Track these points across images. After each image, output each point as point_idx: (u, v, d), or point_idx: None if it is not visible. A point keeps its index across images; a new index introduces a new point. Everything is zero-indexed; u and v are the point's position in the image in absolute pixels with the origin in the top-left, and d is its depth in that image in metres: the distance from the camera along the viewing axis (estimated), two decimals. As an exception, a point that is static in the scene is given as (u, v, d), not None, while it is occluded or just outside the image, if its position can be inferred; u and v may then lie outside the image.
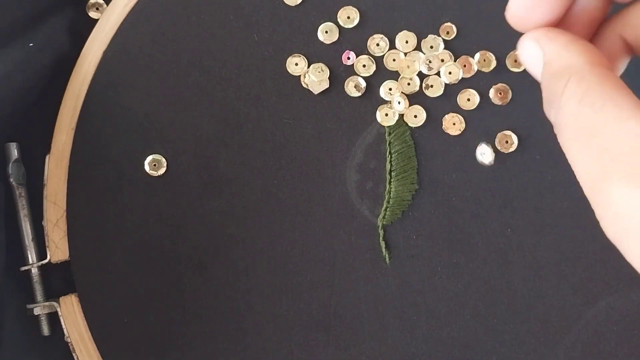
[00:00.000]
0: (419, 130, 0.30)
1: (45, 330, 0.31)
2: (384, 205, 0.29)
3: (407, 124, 0.30)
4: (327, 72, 0.29)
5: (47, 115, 0.31)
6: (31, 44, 0.30)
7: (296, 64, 0.30)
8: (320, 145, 0.30)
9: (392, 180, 0.29)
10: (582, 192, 0.29)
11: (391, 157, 0.30)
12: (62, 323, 0.30)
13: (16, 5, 0.30)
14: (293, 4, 0.30)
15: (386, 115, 0.29)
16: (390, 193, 0.29)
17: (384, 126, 0.30)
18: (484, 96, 0.29)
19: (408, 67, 0.29)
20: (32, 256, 0.31)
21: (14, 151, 0.31)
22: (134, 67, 0.30)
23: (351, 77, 0.29)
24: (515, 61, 0.29)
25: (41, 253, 0.31)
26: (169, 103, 0.30)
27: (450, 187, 0.29)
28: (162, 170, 0.30)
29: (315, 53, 0.30)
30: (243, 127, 0.30)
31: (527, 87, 0.29)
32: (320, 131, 0.30)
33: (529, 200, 0.29)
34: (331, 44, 0.30)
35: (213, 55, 0.30)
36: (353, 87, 0.29)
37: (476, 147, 0.29)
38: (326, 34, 0.30)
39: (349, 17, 0.30)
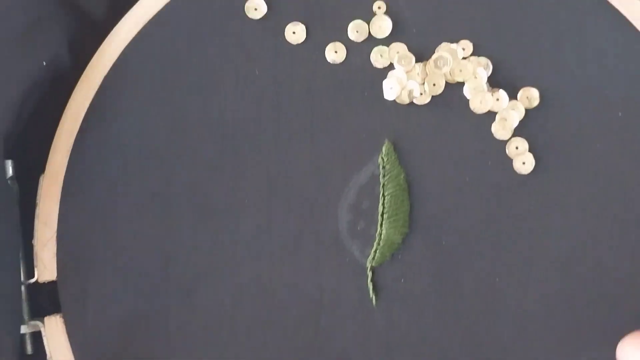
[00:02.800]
0: (413, 174, 0.30)
1: (29, 349, 0.31)
2: (374, 247, 0.29)
3: (401, 167, 0.30)
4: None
5: (44, 134, 0.31)
6: (29, 59, 0.30)
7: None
8: (315, 182, 0.30)
9: (383, 222, 0.30)
10: (571, 244, 0.29)
11: (384, 199, 0.30)
12: (45, 343, 0.30)
13: (12, 19, 0.30)
14: (295, 43, 0.30)
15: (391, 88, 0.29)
16: (381, 235, 0.29)
17: (378, 168, 0.30)
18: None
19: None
20: (21, 274, 0.31)
21: (9, 169, 0.31)
22: (133, 93, 0.31)
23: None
24: (528, 98, 0.29)
25: (29, 272, 0.31)
26: (167, 130, 0.30)
27: (441, 232, 0.29)
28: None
29: (317, 87, 0.30)
30: (239, 158, 0.30)
31: (525, 129, 0.30)
32: (316, 167, 0.30)
33: (518, 251, 0.29)
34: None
35: (214, 85, 0.30)
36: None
37: (469, 192, 0.29)
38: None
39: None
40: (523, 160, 0.29)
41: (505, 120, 0.29)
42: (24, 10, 0.30)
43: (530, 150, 0.30)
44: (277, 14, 0.31)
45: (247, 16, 0.31)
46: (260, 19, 0.31)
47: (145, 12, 0.31)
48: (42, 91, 0.31)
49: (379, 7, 0.30)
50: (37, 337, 0.31)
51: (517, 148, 0.29)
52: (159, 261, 0.30)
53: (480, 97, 0.29)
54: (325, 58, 0.30)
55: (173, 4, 0.31)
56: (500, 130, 0.30)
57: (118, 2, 0.31)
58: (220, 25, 0.31)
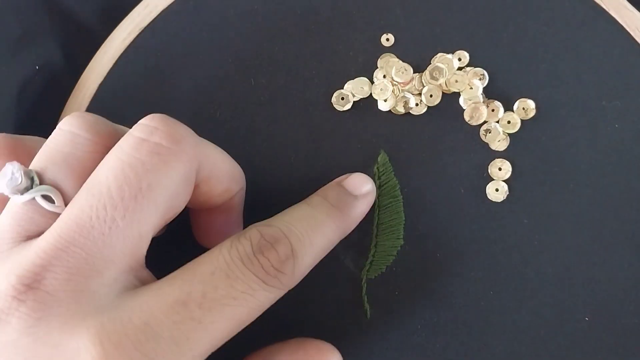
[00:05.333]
0: (408, 186, 0.30)
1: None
2: (369, 259, 0.29)
3: (396, 179, 0.29)
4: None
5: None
6: (23, 66, 0.30)
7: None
8: (310, 192, 0.30)
9: (378, 234, 0.29)
10: (566, 259, 0.29)
11: (379, 210, 0.29)
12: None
13: (6, 27, 0.30)
14: (291, 55, 0.30)
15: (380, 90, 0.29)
16: (376, 247, 0.29)
17: (374, 178, 0.30)
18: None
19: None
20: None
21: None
22: (128, 102, 0.30)
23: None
24: (524, 109, 0.29)
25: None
26: (161, 140, 0.30)
27: (436, 245, 0.29)
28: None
29: (313, 99, 0.30)
30: (233, 170, 0.30)
31: (522, 140, 0.29)
32: (311, 178, 0.30)
33: (513, 264, 0.29)
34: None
35: (208, 96, 0.30)
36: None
37: (465, 205, 0.29)
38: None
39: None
40: (497, 187, 0.29)
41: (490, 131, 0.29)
42: (17, 18, 0.30)
43: (526, 162, 0.29)
44: (273, 24, 0.31)
45: (241, 26, 0.31)
46: (256, 29, 0.31)
47: (140, 20, 0.31)
48: (37, 99, 0.31)
49: (387, 39, 0.30)
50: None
51: (500, 169, 0.29)
52: (156, 264, 0.30)
53: (475, 108, 0.29)
54: (320, 68, 0.30)
55: (167, 13, 0.31)
56: (495, 141, 0.29)
57: (112, 10, 0.31)
58: (213, 35, 0.31)
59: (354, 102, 0.30)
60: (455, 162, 0.30)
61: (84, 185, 0.21)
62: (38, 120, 0.31)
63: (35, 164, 0.22)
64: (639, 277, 0.29)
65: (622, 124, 0.29)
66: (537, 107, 0.29)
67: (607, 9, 0.30)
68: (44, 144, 0.23)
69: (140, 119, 0.30)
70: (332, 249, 0.29)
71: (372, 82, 0.30)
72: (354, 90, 0.30)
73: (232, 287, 0.21)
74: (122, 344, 0.19)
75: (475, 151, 0.30)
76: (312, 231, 0.24)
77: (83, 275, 0.20)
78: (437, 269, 0.29)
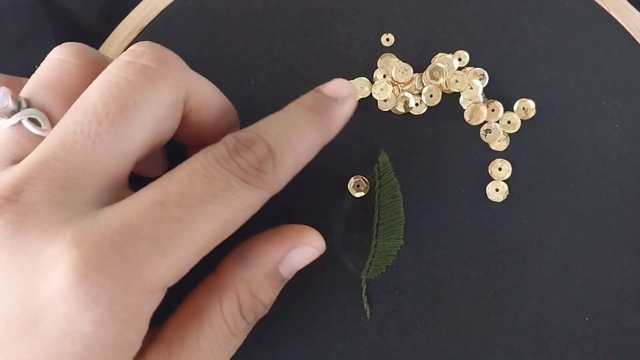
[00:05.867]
0: (408, 186, 0.30)
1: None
2: (369, 259, 0.29)
3: (396, 179, 0.29)
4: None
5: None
6: (22, 67, 0.30)
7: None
8: (310, 192, 0.30)
9: (378, 234, 0.29)
10: (566, 259, 0.29)
11: (379, 210, 0.29)
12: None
13: (5, 28, 0.30)
14: (291, 55, 0.30)
15: (381, 90, 0.29)
16: (376, 247, 0.29)
17: (374, 178, 0.30)
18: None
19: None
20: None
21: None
22: (128, 102, 0.30)
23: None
24: (524, 109, 0.29)
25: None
26: (161, 140, 0.30)
27: (436, 245, 0.29)
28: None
29: (310, 100, 0.30)
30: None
31: (522, 140, 0.29)
32: (310, 177, 0.30)
33: (513, 264, 0.29)
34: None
35: (208, 95, 0.30)
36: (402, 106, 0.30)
37: (465, 205, 0.29)
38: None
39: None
40: (497, 187, 0.29)
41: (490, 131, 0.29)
42: (16, 18, 0.30)
43: (526, 162, 0.29)
44: (273, 24, 0.31)
45: (241, 26, 0.31)
46: (256, 29, 0.31)
47: (140, 20, 0.31)
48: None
49: (387, 39, 0.30)
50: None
51: (500, 169, 0.29)
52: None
53: (475, 108, 0.29)
54: (320, 67, 0.30)
55: (167, 13, 0.31)
56: (495, 141, 0.29)
57: (112, 10, 0.31)
58: (213, 35, 0.31)
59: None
60: (455, 162, 0.30)
61: (72, 106, 0.21)
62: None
63: (24, 91, 0.23)
64: (639, 277, 0.29)
65: (622, 124, 0.29)
66: (537, 107, 0.29)
67: (607, 9, 0.30)
68: (34, 73, 0.23)
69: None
70: (332, 250, 0.29)
71: (372, 82, 0.30)
72: (354, 90, 0.30)
73: (210, 186, 0.21)
74: (100, 246, 0.19)
75: (475, 151, 0.30)
76: (290, 132, 0.23)
77: (63, 187, 0.20)
78: (437, 269, 0.29)
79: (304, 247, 0.25)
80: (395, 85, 0.30)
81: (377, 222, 0.29)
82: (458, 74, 0.29)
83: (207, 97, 0.24)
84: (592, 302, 0.29)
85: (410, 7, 0.30)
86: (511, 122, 0.29)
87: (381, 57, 0.30)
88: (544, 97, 0.30)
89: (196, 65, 0.30)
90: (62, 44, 0.24)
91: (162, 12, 0.31)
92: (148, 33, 0.31)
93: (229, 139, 0.22)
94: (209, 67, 0.30)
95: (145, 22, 0.31)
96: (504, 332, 0.29)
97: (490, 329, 0.29)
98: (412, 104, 0.30)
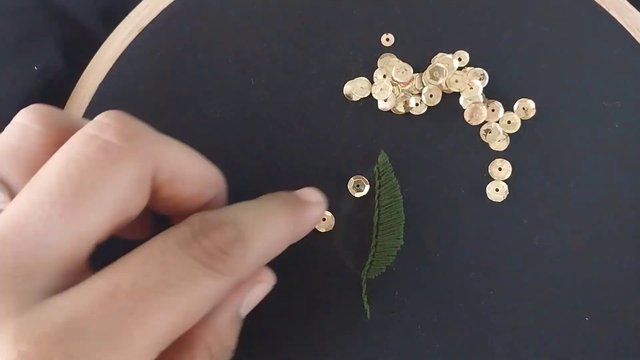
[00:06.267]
0: (408, 186, 0.30)
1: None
2: (369, 259, 0.29)
3: (396, 179, 0.30)
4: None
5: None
6: (23, 69, 0.30)
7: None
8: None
9: (378, 234, 0.29)
10: (566, 259, 0.29)
11: (379, 211, 0.29)
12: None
13: (5, 29, 0.30)
14: (291, 55, 0.30)
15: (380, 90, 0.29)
16: (376, 247, 0.29)
17: (374, 178, 0.30)
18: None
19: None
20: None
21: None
22: (128, 102, 0.30)
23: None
24: (524, 109, 0.29)
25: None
26: (161, 140, 0.30)
27: (436, 245, 0.29)
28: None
29: (313, 99, 0.30)
30: (233, 170, 0.30)
31: (522, 140, 0.29)
32: (311, 177, 0.30)
33: (513, 264, 0.29)
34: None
35: (208, 96, 0.30)
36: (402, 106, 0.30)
37: (465, 205, 0.29)
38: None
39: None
40: (497, 187, 0.29)
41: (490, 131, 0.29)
42: (16, 19, 0.30)
43: (526, 162, 0.29)
44: (273, 24, 0.31)
45: (241, 26, 0.31)
46: (256, 29, 0.31)
47: (140, 20, 0.31)
48: (37, 100, 0.31)
49: (387, 39, 0.30)
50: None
51: (500, 169, 0.29)
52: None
53: (475, 108, 0.29)
54: (320, 68, 0.30)
55: (167, 13, 0.31)
56: (495, 141, 0.29)
57: (112, 10, 0.31)
58: (213, 35, 0.31)
59: (354, 102, 0.30)
60: (455, 162, 0.30)
61: (30, 180, 0.20)
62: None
63: None
64: (639, 277, 0.29)
65: (622, 124, 0.29)
66: (537, 107, 0.29)
67: (607, 9, 0.30)
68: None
69: (139, 119, 0.30)
70: (332, 250, 0.29)
71: (372, 82, 0.30)
72: (354, 90, 0.30)
73: (167, 273, 0.19)
74: (42, 343, 0.18)
75: (475, 151, 0.30)
76: (263, 218, 0.22)
77: (11, 275, 0.19)
78: (437, 269, 0.29)
79: (259, 285, 0.24)
80: (395, 85, 0.30)
81: (377, 222, 0.29)
82: (458, 74, 0.29)
83: (182, 168, 0.22)
84: (592, 302, 0.29)
85: (410, 7, 0.30)
86: (511, 122, 0.29)
87: (381, 57, 0.30)
88: (544, 97, 0.30)
89: (196, 65, 0.30)
90: (28, 108, 0.22)
91: (162, 12, 0.31)
92: (148, 33, 0.31)
93: (194, 218, 0.21)
94: (209, 67, 0.30)
95: (145, 22, 0.31)
96: (504, 332, 0.29)
97: (490, 328, 0.29)
98: (412, 104, 0.30)
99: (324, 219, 0.29)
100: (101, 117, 0.21)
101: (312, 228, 0.26)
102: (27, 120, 0.22)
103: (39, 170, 0.20)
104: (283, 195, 0.25)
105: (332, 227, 0.29)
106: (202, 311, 0.20)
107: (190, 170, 0.23)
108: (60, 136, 0.21)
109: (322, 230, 0.29)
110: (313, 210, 0.25)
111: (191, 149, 0.23)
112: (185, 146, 0.23)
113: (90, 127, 0.21)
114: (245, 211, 0.22)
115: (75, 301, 0.19)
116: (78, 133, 0.21)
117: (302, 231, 0.25)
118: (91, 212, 0.20)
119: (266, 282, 0.25)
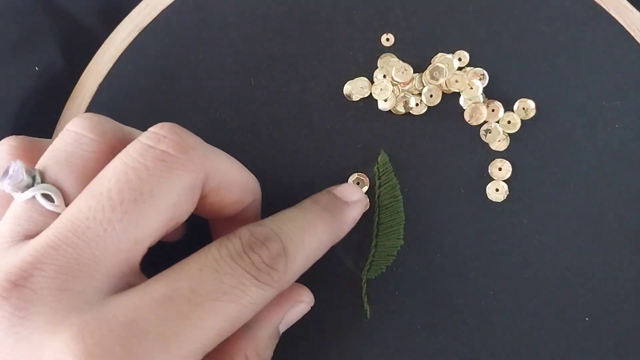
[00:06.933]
0: (408, 186, 0.30)
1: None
2: (369, 259, 0.29)
3: (396, 179, 0.30)
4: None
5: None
6: (23, 68, 0.30)
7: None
8: (310, 192, 0.30)
9: (378, 234, 0.29)
10: (566, 259, 0.29)
11: (379, 210, 0.29)
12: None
13: (5, 29, 0.30)
14: (291, 55, 0.30)
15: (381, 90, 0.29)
16: (376, 247, 0.29)
17: (374, 178, 0.30)
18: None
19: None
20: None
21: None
22: (128, 102, 0.30)
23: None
24: (524, 109, 0.29)
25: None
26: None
27: (436, 245, 0.29)
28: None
29: (313, 99, 0.30)
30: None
31: (522, 140, 0.29)
32: (311, 177, 0.30)
33: (513, 264, 0.29)
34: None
35: (208, 96, 0.30)
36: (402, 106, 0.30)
37: (465, 205, 0.29)
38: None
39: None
40: (497, 187, 0.29)
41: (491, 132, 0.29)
42: (16, 19, 0.30)
43: (526, 162, 0.29)
44: (273, 24, 0.31)
45: (241, 26, 0.31)
46: (256, 29, 0.31)
47: (140, 20, 0.31)
48: (37, 100, 0.31)
49: (387, 39, 0.30)
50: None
51: (500, 169, 0.29)
52: (154, 268, 0.30)
53: (475, 108, 0.29)
54: (320, 67, 0.30)
55: (167, 13, 0.31)
56: (495, 141, 0.29)
57: (112, 10, 0.31)
58: (214, 35, 0.31)
59: (354, 102, 0.30)
60: (455, 162, 0.30)
61: (87, 186, 0.21)
62: (38, 121, 0.31)
63: (39, 163, 0.22)
64: (639, 277, 0.29)
65: (622, 124, 0.29)
66: (537, 107, 0.29)
67: (607, 9, 0.30)
68: (51, 144, 0.23)
69: (140, 119, 0.30)
70: (332, 249, 0.29)
71: (372, 82, 0.30)
72: (354, 90, 0.30)
73: (221, 282, 0.21)
74: (105, 340, 0.19)
75: (475, 151, 0.30)
76: (304, 231, 0.24)
77: (72, 274, 0.20)
78: (437, 269, 0.29)
79: (300, 305, 0.26)
80: (395, 85, 0.30)
81: (377, 222, 0.29)
82: (458, 74, 0.29)
83: (228, 177, 0.24)
84: (592, 302, 0.29)
85: (410, 7, 0.30)
86: (511, 122, 0.29)
87: (381, 57, 0.30)
88: (544, 97, 0.30)
89: (196, 65, 0.30)
90: (82, 116, 0.23)
91: (162, 12, 0.31)
92: (148, 33, 0.31)
93: (244, 232, 0.23)
94: (209, 67, 0.30)
95: (145, 22, 0.31)
96: (504, 332, 0.29)
97: (490, 328, 0.29)
98: (412, 104, 0.30)
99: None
100: (157, 129, 0.22)
101: (353, 226, 0.27)
102: (81, 128, 0.23)
103: (92, 177, 0.21)
104: (323, 199, 0.27)
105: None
106: (246, 318, 0.22)
107: (235, 179, 0.24)
108: (112, 145, 0.23)
109: None
110: (353, 212, 0.27)
111: (235, 160, 0.25)
112: (231, 157, 0.25)
113: (147, 138, 0.22)
114: (288, 223, 0.24)
115: (137, 302, 0.20)
116: (136, 143, 0.22)
117: (342, 234, 0.27)
118: (148, 219, 0.21)
119: (306, 303, 0.27)
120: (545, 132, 0.29)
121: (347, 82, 0.30)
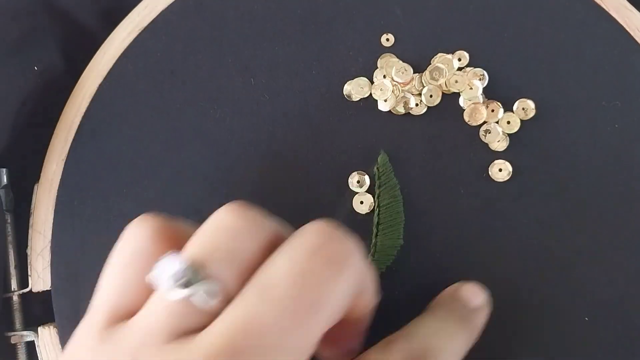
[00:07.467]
0: (408, 186, 0.30)
1: (22, 359, 0.31)
2: (369, 258, 0.29)
3: (396, 179, 0.30)
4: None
5: (39, 142, 0.31)
6: (22, 68, 0.30)
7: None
8: (310, 192, 0.30)
9: (378, 234, 0.29)
10: (566, 259, 0.29)
11: (379, 210, 0.29)
12: (39, 353, 0.30)
13: (4, 29, 0.30)
14: (291, 55, 0.30)
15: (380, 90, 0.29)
16: (375, 246, 0.29)
17: (374, 178, 0.30)
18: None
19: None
20: (14, 283, 0.31)
21: (3, 177, 0.31)
22: (128, 102, 0.30)
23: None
24: (524, 109, 0.29)
25: (23, 281, 0.31)
26: (161, 141, 0.30)
27: (436, 245, 0.29)
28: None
29: (313, 99, 0.30)
30: (233, 170, 0.30)
31: (522, 140, 0.29)
32: (311, 178, 0.30)
33: (513, 264, 0.29)
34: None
35: (209, 96, 0.30)
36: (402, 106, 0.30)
37: (465, 205, 0.29)
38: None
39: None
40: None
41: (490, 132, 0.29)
42: (15, 20, 0.30)
43: (526, 162, 0.29)
44: (273, 24, 0.31)
45: (241, 26, 0.31)
46: (256, 29, 0.31)
47: (140, 20, 0.31)
48: (37, 100, 0.31)
49: (387, 39, 0.30)
50: (31, 347, 0.31)
51: (500, 170, 0.29)
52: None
53: (475, 108, 0.29)
54: (320, 67, 0.30)
55: (167, 13, 0.31)
56: (495, 141, 0.29)
57: (112, 11, 0.31)
58: (214, 35, 0.31)
59: (354, 102, 0.30)
60: (455, 162, 0.30)
61: (253, 286, 0.20)
62: (38, 121, 0.31)
63: (196, 256, 0.20)
64: (639, 277, 0.29)
65: (622, 124, 0.29)
66: (537, 107, 0.29)
67: (607, 9, 0.30)
68: (201, 233, 0.21)
69: (140, 119, 0.30)
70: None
71: (372, 82, 0.30)
72: (354, 90, 0.30)
73: None
74: None
75: (475, 151, 0.30)
76: (449, 344, 0.25)
77: None
78: (437, 269, 0.29)
79: None
80: (395, 85, 0.30)
81: (377, 222, 0.29)
82: (458, 74, 0.29)
83: (369, 285, 0.23)
84: (592, 302, 0.29)
85: (410, 7, 0.30)
86: (511, 122, 0.29)
87: (381, 57, 0.30)
88: (544, 97, 0.30)
89: (196, 65, 0.30)
90: (234, 209, 0.21)
91: (162, 12, 0.31)
92: (148, 33, 0.31)
93: (403, 349, 0.24)
94: (209, 67, 0.30)
95: (145, 22, 0.31)
96: (503, 331, 0.29)
97: (490, 329, 0.29)
98: (412, 104, 0.30)
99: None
100: (321, 227, 0.21)
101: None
102: (236, 220, 0.21)
103: (250, 273, 0.20)
104: (458, 308, 0.27)
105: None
106: None
107: (372, 287, 0.24)
108: (269, 240, 0.21)
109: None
110: (482, 318, 0.28)
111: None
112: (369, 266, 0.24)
113: (312, 237, 0.21)
114: (434, 337, 0.25)
115: None
116: (300, 242, 0.21)
117: (475, 339, 0.27)
118: (319, 326, 0.20)
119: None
120: (545, 132, 0.29)
121: (347, 82, 0.30)
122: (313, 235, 0.21)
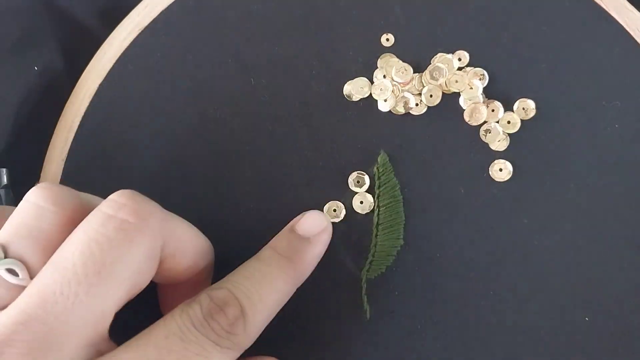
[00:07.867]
0: (408, 186, 0.30)
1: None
2: (369, 259, 0.29)
3: (396, 179, 0.30)
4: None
5: (39, 143, 0.31)
6: (23, 67, 0.30)
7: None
8: (310, 192, 0.30)
9: (378, 234, 0.29)
10: (566, 259, 0.29)
11: (379, 210, 0.29)
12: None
13: (4, 29, 0.30)
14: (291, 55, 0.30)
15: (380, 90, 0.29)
16: (375, 247, 0.29)
17: (374, 178, 0.30)
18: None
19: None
20: (13, 283, 0.31)
21: (4, 177, 0.31)
22: (128, 102, 0.30)
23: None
24: (524, 109, 0.29)
25: (23, 281, 0.31)
26: (161, 141, 0.30)
27: (436, 245, 0.29)
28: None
29: (313, 99, 0.30)
30: (233, 170, 0.30)
31: (522, 140, 0.29)
32: (310, 177, 0.30)
33: (513, 264, 0.29)
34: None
35: (208, 96, 0.30)
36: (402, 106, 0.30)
37: (465, 205, 0.29)
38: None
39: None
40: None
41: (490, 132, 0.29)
42: (15, 20, 0.30)
43: (526, 162, 0.29)
44: (273, 24, 0.31)
45: (241, 26, 0.31)
46: (256, 29, 0.31)
47: (140, 20, 0.31)
48: (37, 100, 0.31)
49: (387, 39, 0.30)
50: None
51: (500, 170, 0.29)
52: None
53: (475, 108, 0.29)
54: (320, 68, 0.30)
55: (167, 13, 0.31)
56: (495, 141, 0.29)
57: (112, 10, 0.31)
58: (213, 35, 0.31)
59: (354, 102, 0.30)
60: (455, 162, 0.30)
61: (50, 259, 0.22)
62: (38, 121, 0.31)
63: (1, 237, 0.22)
64: (639, 277, 0.29)
65: (622, 124, 0.29)
66: (537, 107, 0.29)
67: (607, 9, 0.30)
68: (11, 216, 0.23)
69: (140, 119, 0.30)
70: (332, 250, 0.29)
71: (372, 82, 0.30)
72: (354, 90, 0.30)
73: (186, 350, 0.22)
74: None
75: (475, 151, 0.30)
76: (262, 287, 0.25)
77: (42, 349, 0.20)
78: (437, 269, 0.29)
79: None
80: (395, 85, 0.30)
81: (377, 222, 0.29)
82: (458, 74, 0.29)
83: (184, 242, 0.25)
84: (592, 302, 0.29)
85: (410, 7, 0.30)
86: (511, 122, 0.29)
87: (381, 57, 0.30)
88: (544, 97, 0.30)
89: (196, 65, 0.30)
90: (40, 187, 0.23)
91: (162, 12, 0.31)
92: (148, 33, 0.31)
93: (203, 298, 0.23)
94: (209, 67, 0.31)
95: (145, 22, 0.31)
96: (503, 332, 0.29)
97: (490, 328, 0.29)
98: (412, 104, 0.30)
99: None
100: (116, 197, 0.23)
101: (316, 263, 0.28)
102: (42, 200, 0.23)
103: (55, 249, 0.22)
104: (282, 244, 0.27)
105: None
106: None
107: (190, 244, 0.25)
108: (73, 216, 0.23)
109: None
110: (315, 249, 0.27)
111: (191, 225, 0.26)
112: (187, 222, 0.25)
113: (107, 207, 0.22)
114: (247, 281, 0.25)
115: None
116: (96, 213, 0.22)
117: (305, 276, 0.27)
118: (113, 289, 0.21)
119: None
120: (545, 132, 0.29)
121: (347, 82, 0.30)
122: (107, 203, 0.22)
